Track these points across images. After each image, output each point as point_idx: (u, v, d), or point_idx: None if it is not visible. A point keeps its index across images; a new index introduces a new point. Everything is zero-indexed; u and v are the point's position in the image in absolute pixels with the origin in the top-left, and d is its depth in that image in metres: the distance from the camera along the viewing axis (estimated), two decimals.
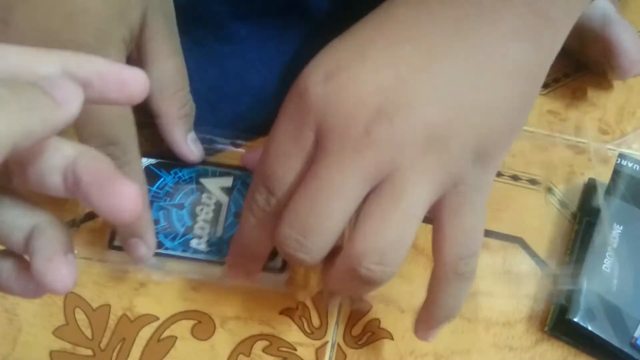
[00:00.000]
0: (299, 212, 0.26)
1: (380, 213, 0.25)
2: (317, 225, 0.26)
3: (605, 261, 0.36)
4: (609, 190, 0.38)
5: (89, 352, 0.34)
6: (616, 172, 0.39)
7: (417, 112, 0.25)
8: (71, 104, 0.18)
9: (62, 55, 0.19)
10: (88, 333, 0.34)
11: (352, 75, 0.25)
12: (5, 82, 0.17)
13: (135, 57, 0.34)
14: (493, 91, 0.27)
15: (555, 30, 0.29)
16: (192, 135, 0.37)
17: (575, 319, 0.34)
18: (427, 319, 0.31)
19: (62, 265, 0.19)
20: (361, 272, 0.26)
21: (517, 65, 0.28)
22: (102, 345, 0.34)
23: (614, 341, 0.33)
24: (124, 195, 0.18)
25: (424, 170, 0.26)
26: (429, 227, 0.39)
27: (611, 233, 0.37)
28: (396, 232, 0.26)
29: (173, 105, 0.36)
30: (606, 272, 0.35)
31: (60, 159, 0.19)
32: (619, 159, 0.40)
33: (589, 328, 0.33)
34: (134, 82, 0.20)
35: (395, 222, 0.26)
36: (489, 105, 0.27)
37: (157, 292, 0.36)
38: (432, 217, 0.28)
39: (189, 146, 0.37)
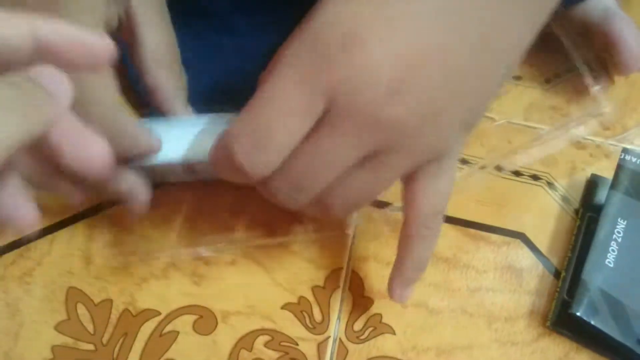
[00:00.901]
0: (293, 174, 0.27)
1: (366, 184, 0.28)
2: (309, 186, 0.27)
3: (608, 256, 0.36)
4: (613, 185, 0.38)
5: (91, 347, 0.34)
6: (620, 167, 0.39)
7: (426, 95, 0.25)
8: (65, 98, 0.20)
9: (31, 20, 0.19)
10: (90, 328, 0.34)
11: (371, 45, 0.24)
12: (10, 82, 0.18)
13: (126, 26, 0.33)
14: (489, 75, 0.27)
15: None
16: (190, 109, 0.36)
17: (578, 314, 0.34)
18: (401, 276, 0.33)
19: None
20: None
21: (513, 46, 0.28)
22: (104, 340, 0.34)
23: (617, 336, 0.33)
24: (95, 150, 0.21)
25: (416, 150, 0.27)
26: None
27: (615, 228, 0.37)
28: (368, 195, 0.29)
29: (171, 76, 0.34)
30: (609, 266, 0.35)
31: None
32: (623, 154, 0.40)
33: (592, 323, 0.33)
34: (99, 47, 0.21)
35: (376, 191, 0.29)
36: (481, 87, 0.28)
37: (159, 286, 0.36)
38: (405, 178, 0.30)
39: None
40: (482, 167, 0.42)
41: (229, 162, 0.26)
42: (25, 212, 0.22)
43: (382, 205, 0.39)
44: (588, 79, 0.40)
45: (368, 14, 0.24)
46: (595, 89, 0.40)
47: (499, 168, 0.42)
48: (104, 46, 0.21)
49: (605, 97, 0.42)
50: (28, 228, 0.23)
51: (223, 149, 0.26)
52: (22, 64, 0.19)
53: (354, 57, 0.24)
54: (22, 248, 0.37)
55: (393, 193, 0.39)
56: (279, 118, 0.25)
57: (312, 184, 0.27)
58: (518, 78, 0.47)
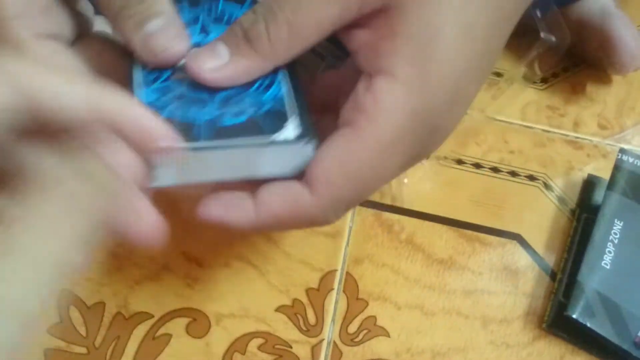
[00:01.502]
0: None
1: None
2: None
3: (605, 257, 0.35)
4: (610, 185, 0.38)
5: (84, 350, 0.33)
6: (617, 168, 0.39)
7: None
8: (133, 179, 0.21)
9: (87, 88, 0.19)
10: (82, 331, 0.34)
11: None
12: (87, 173, 0.18)
13: None
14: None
15: None
16: None
17: (574, 316, 0.33)
18: None
19: None
20: None
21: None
22: (97, 343, 0.34)
23: (614, 338, 0.33)
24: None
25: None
26: (426, 224, 0.39)
27: (612, 229, 0.36)
28: None
29: None
30: (606, 268, 0.35)
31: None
32: (620, 154, 0.39)
33: (588, 325, 0.33)
34: (156, 132, 0.20)
35: None
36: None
37: (152, 289, 0.35)
38: None
39: None
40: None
41: (306, 224, 0.26)
42: (150, 219, 0.21)
43: (376, 206, 0.39)
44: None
45: None
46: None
47: (495, 169, 0.42)
48: (161, 133, 0.20)
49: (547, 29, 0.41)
50: (152, 240, 0.21)
51: (304, 221, 0.25)
52: (80, 129, 0.19)
53: None
54: None
55: (387, 194, 0.39)
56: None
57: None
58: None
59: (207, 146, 0.23)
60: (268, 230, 0.26)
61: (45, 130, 0.19)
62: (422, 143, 0.24)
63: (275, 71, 0.26)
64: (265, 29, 0.23)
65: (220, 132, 0.24)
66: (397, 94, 0.23)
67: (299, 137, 0.24)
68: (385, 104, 0.23)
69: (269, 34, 0.23)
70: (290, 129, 0.25)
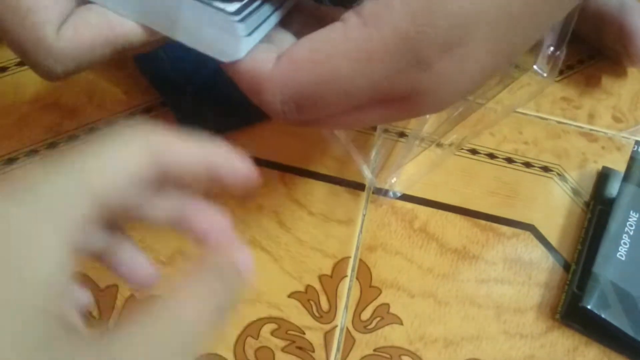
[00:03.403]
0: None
1: None
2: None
3: (620, 249, 0.35)
4: (626, 177, 0.38)
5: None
6: (632, 160, 0.39)
7: None
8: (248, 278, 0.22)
9: (208, 153, 0.22)
10: (95, 313, 0.34)
11: None
12: (220, 275, 0.20)
13: None
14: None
15: None
16: None
17: (589, 307, 0.33)
18: None
19: None
20: None
21: None
22: (110, 326, 0.34)
23: (628, 330, 0.33)
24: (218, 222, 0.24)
25: None
26: (439, 213, 0.39)
27: (627, 220, 0.36)
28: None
29: None
30: (621, 259, 0.35)
31: (169, 202, 0.23)
32: (636, 146, 0.39)
33: (603, 316, 0.33)
34: (247, 174, 0.24)
35: None
36: None
37: (165, 273, 0.35)
38: None
39: None
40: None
41: (259, 98, 0.25)
42: (146, 270, 0.24)
43: (389, 194, 0.39)
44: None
45: None
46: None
47: (509, 159, 0.42)
48: (249, 173, 0.24)
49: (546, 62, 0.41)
50: (147, 286, 0.24)
51: (256, 88, 0.25)
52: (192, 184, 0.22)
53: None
54: None
55: (401, 181, 0.38)
56: (342, 98, 0.24)
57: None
58: (516, 66, 0.46)
59: None
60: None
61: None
62: (401, 71, 0.23)
63: None
64: None
65: None
66: (397, 9, 0.22)
67: (233, 13, 0.24)
68: (381, 12, 0.22)
69: None
70: (232, 5, 0.25)
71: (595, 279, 0.34)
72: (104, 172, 0.19)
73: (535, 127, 0.44)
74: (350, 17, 0.23)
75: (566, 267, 0.38)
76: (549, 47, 0.40)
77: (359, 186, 0.40)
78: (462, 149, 0.42)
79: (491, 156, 0.42)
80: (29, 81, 0.42)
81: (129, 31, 0.26)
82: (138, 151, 0.20)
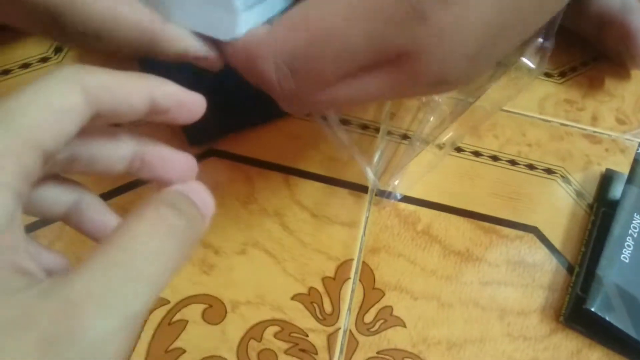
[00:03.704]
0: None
1: None
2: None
3: (624, 251, 0.35)
4: (629, 179, 0.38)
5: None
6: (636, 162, 0.39)
7: None
8: (209, 216, 0.22)
9: (149, 85, 0.21)
10: None
11: None
12: (179, 208, 0.20)
13: None
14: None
15: None
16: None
17: (593, 309, 0.33)
18: None
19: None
20: None
21: None
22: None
23: (632, 332, 0.33)
24: (182, 166, 0.23)
25: None
26: (442, 215, 0.39)
27: (631, 223, 0.36)
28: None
29: None
30: (625, 262, 0.35)
31: (126, 150, 0.23)
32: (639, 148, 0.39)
33: (607, 318, 0.33)
34: (196, 105, 0.23)
35: None
36: None
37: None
38: None
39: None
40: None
41: (254, 70, 0.24)
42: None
43: (392, 196, 0.39)
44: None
45: None
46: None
47: (512, 162, 0.42)
48: (199, 104, 0.23)
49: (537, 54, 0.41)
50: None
51: (250, 57, 0.24)
52: (134, 121, 0.21)
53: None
54: (31, 234, 0.36)
55: (404, 183, 0.38)
56: (338, 59, 0.23)
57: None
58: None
59: None
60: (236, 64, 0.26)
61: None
62: (396, 25, 0.22)
63: None
64: None
65: None
66: None
67: None
68: None
69: None
70: None
71: (599, 282, 0.34)
72: (37, 118, 0.18)
73: (538, 129, 0.44)
74: None
75: (570, 269, 0.37)
76: (537, 37, 0.39)
77: (362, 188, 0.40)
78: (463, 150, 0.42)
79: (494, 158, 0.42)
80: (29, 81, 0.42)
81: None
82: (71, 92, 0.19)
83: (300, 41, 0.23)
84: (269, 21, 0.25)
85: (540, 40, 0.39)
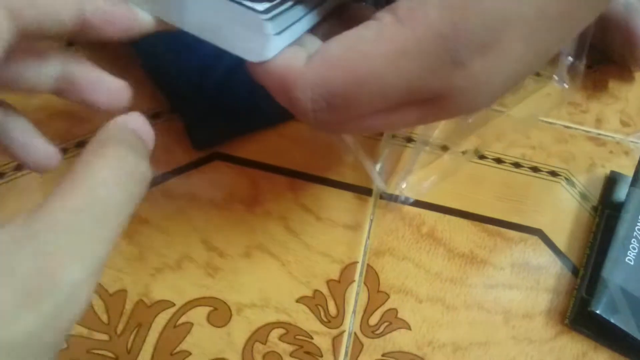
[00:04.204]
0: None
1: None
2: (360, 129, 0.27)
3: (629, 253, 0.35)
4: (634, 181, 0.38)
5: (105, 337, 0.33)
6: None
7: None
8: (151, 143, 0.22)
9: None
10: (104, 318, 0.34)
11: None
12: (129, 144, 0.20)
13: None
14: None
15: None
16: None
17: (598, 311, 0.33)
18: None
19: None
20: None
21: None
22: (118, 331, 0.34)
23: (637, 335, 0.33)
24: (113, 90, 0.24)
25: None
26: (447, 218, 0.39)
27: (636, 225, 0.36)
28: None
29: None
30: (630, 264, 0.35)
31: (53, 69, 0.23)
32: None
33: (612, 321, 0.33)
34: (125, 17, 0.23)
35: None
36: None
37: (173, 278, 0.35)
38: None
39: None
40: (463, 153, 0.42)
41: (288, 96, 0.24)
42: (44, 150, 0.24)
43: (397, 199, 0.39)
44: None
45: None
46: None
47: (517, 164, 0.42)
48: (128, 15, 0.23)
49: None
50: (49, 167, 0.24)
51: (286, 85, 0.24)
52: (62, 36, 0.21)
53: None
54: None
55: (410, 187, 0.38)
56: (375, 98, 0.23)
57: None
58: (537, 74, 0.46)
59: None
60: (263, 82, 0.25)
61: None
62: (435, 70, 0.22)
63: None
64: None
65: None
66: (433, 9, 0.22)
67: (262, 11, 0.24)
68: (417, 12, 0.22)
69: None
70: (262, 4, 0.24)
71: (604, 284, 0.34)
72: None
73: (542, 131, 0.44)
74: (385, 16, 0.23)
75: (574, 271, 0.37)
76: (567, 57, 0.40)
77: (366, 191, 0.40)
78: (467, 153, 0.42)
79: (498, 161, 0.42)
80: None
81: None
82: None
83: (339, 79, 0.23)
84: (297, 41, 0.25)
85: (570, 59, 0.39)
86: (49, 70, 0.23)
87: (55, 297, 0.16)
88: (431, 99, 0.24)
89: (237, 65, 0.41)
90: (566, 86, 0.40)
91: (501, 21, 0.22)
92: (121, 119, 0.21)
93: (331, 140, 0.41)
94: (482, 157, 0.42)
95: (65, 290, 0.16)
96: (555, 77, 0.40)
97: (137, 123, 0.21)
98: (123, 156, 0.19)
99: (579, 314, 0.35)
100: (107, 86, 0.24)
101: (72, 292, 0.16)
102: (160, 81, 0.42)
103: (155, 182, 0.38)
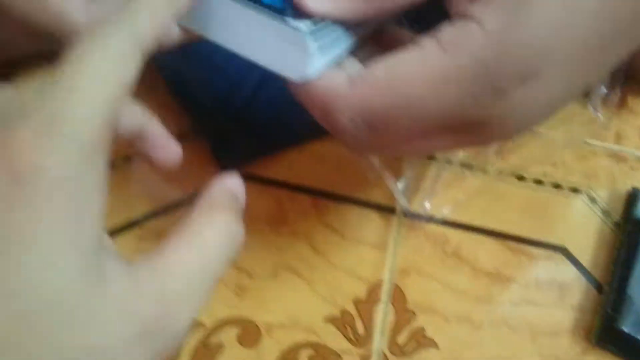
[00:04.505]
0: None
1: None
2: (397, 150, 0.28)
3: None
4: None
5: None
6: None
7: None
8: None
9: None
10: None
11: None
12: (238, 217, 0.22)
13: None
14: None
15: None
16: None
17: (625, 329, 0.33)
18: None
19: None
20: None
21: None
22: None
23: None
24: (173, 153, 0.27)
25: None
26: (471, 235, 0.39)
27: None
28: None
29: None
30: None
31: (136, 122, 0.25)
32: None
33: (639, 338, 0.33)
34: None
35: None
36: None
37: None
38: None
39: None
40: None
41: (328, 117, 0.25)
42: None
43: (421, 218, 0.39)
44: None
45: None
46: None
47: (538, 181, 0.42)
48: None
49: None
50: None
51: (327, 105, 0.25)
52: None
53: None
54: None
55: (435, 205, 0.39)
56: (415, 123, 0.24)
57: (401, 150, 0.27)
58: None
59: None
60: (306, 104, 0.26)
61: None
62: (475, 97, 0.23)
63: None
64: None
65: None
66: (476, 37, 0.22)
67: (306, 31, 0.24)
68: (460, 40, 0.22)
69: None
70: (306, 24, 0.24)
71: (630, 301, 0.34)
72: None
73: (562, 148, 0.44)
74: (427, 42, 0.23)
75: (599, 288, 0.38)
76: (601, 87, 0.40)
77: (390, 210, 0.40)
78: (488, 171, 0.42)
79: (520, 178, 0.42)
80: None
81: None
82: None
83: (380, 101, 0.24)
84: (337, 62, 0.26)
85: (604, 89, 0.40)
86: (130, 125, 0.25)
87: (166, 340, 0.19)
88: (470, 125, 0.24)
89: (263, 85, 0.42)
90: (600, 116, 0.40)
91: (543, 52, 0.22)
92: (223, 181, 0.23)
93: (355, 159, 0.42)
94: (503, 174, 0.42)
95: (176, 335, 0.19)
96: (590, 107, 0.40)
97: (235, 184, 0.24)
98: (228, 220, 0.21)
99: (605, 331, 0.35)
100: (171, 149, 0.26)
101: (180, 337, 0.19)
102: (186, 102, 0.43)
103: (182, 203, 0.39)
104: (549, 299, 0.37)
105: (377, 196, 0.41)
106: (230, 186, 0.23)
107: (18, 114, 0.18)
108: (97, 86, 0.18)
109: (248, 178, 0.40)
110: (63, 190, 0.17)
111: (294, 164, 0.42)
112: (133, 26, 0.20)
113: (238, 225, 0.22)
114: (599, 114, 0.41)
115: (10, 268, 0.16)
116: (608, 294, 0.37)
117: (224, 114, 0.41)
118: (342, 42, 0.26)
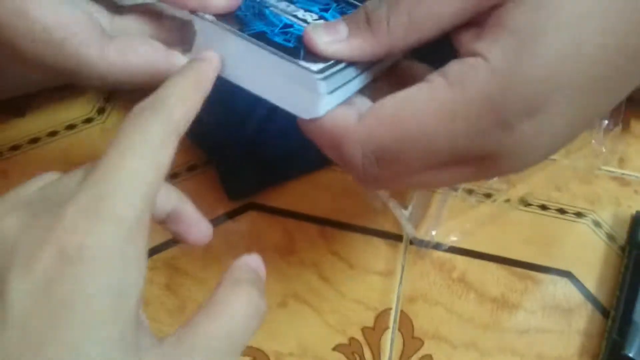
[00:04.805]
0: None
1: None
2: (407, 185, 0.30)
3: None
4: None
5: None
6: None
7: None
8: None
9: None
10: None
11: None
12: (261, 291, 0.24)
13: None
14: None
15: None
16: None
17: (631, 355, 0.34)
18: None
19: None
20: None
21: None
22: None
23: None
24: (204, 232, 0.27)
25: None
26: (477, 262, 0.39)
27: None
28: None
29: None
30: None
31: (170, 203, 0.26)
32: None
33: None
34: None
35: None
36: None
37: None
38: None
39: None
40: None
41: (338, 152, 0.26)
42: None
43: (427, 245, 0.40)
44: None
45: None
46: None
47: (543, 206, 0.43)
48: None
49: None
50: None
51: (337, 141, 0.25)
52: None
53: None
54: None
55: (440, 233, 0.39)
56: (424, 157, 0.25)
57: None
58: None
59: (236, 33, 0.26)
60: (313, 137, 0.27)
61: None
62: (483, 132, 0.23)
63: None
64: (386, 14, 0.24)
65: (259, 38, 0.26)
66: (483, 73, 0.22)
67: (317, 72, 0.25)
68: (467, 75, 0.23)
69: (388, 20, 0.24)
70: (317, 65, 0.25)
71: (636, 327, 0.34)
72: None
73: (566, 172, 0.45)
74: (436, 78, 0.24)
75: (605, 313, 0.38)
76: (603, 120, 0.41)
77: (397, 237, 0.41)
78: (492, 196, 0.43)
79: (525, 203, 0.43)
80: (75, 142, 0.45)
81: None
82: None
83: (389, 136, 0.24)
84: (347, 101, 0.27)
85: (606, 122, 0.40)
86: (166, 205, 0.26)
87: None
88: (478, 159, 0.24)
89: (270, 117, 0.42)
90: (604, 150, 0.41)
91: (549, 86, 0.22)
92: (245, 259, 0.25)
93: (361, 188, 0.42)
94: (507, 200, 0.43)
95: None
96: (593, 142, 0.41)
97: (257, 263, 0.25)
98: (252, 296, 0.23)
99: (612, 356, 0.35)
100: (203, 229, 0.27)
101: None
102: (194, 134, 0.43)
103: None
104: (555, 324, 0.38)
105: (383, 224, 0.41)
106: (251, 263, 0.25)
107: (67, 195, 0.19)
108: (138, 171, 0.20)
109: (256, 208, 0.41)
110: (106, 267, 0.18)
111: (301, 193, 0.42)
112: (168, 114, 0.22)
113: (260, 298, 0.23)
114: (603, 148, 0.42)
115: (56, 338, 0.17)
116: (614, 319, 0.37)
117: (232, 146, 0.42)
118: (353, 81, 0.27)
